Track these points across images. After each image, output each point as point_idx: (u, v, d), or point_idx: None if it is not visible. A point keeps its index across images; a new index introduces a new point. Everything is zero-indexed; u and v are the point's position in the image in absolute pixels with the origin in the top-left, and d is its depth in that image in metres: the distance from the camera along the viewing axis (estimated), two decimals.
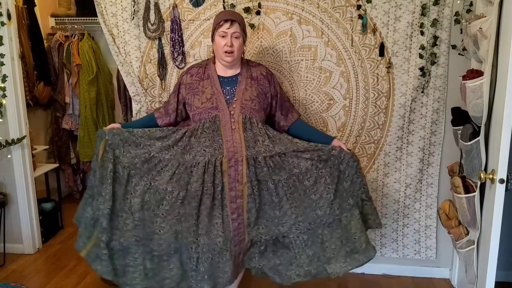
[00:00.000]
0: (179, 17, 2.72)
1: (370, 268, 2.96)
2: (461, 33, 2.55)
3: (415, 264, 2.94)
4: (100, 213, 2.11)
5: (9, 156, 3.19)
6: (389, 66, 2.66)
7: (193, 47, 2.76)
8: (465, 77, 2.20)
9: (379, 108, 2.72)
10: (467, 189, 2.22)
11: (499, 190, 1.92)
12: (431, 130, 2.73)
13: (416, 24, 2.58)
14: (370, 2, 2.58)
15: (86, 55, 3.98)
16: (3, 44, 3.03)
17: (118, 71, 3.85)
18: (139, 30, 2.76)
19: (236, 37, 2.17)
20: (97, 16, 2.80)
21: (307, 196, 2.16)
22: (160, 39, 2.76)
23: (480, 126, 2.12)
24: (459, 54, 2.61)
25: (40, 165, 3.68)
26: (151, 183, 2.10)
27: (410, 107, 2.69)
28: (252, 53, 2.73)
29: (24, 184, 3.25)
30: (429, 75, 2.65)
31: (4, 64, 3.06)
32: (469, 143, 2.17)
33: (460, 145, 2.34)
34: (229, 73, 2.26)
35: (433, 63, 2.62)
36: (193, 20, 2.73)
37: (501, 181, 1.90)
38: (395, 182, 2.81)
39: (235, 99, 2.20)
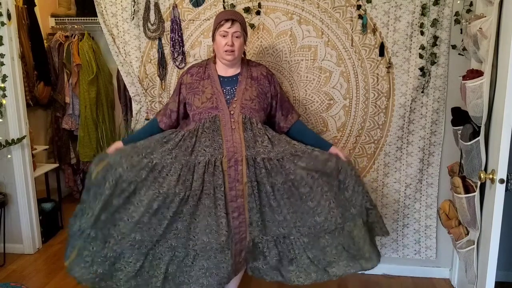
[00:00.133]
0: (179, 17, 2.72)
1: None
2: (461, 33, 2.55)
3: (415, 264, 2.94)
4: (88, 224, 2.09)
5: (9, 156, 3.19)
6: (389, 66, 2.66)
7: (193, 47, 2.76)
8: (465, 77, 2.20)
9: (379, 108, 2.72)
10: (467, 189, 2.22)
11: (499, 190, 1.92)
12: (431, 130, 2.73)
13: (416, 24, 2.59)
14: (370, 2, 2.58)
15: (86, 55, 3.98)
16: (3, 44, 3.03)
17: (118, 71, 3.85)
18: (139, 30, 2.76)
19: (237, 37, 2.17)
20: (97, 16, 2.81)
21: (303, 202, 2.14)
22: (160, 39, 2.76)
23: (480, 126, 2.12)
24: (459, 54, 2.61)
25: (40, 165, 3.68)
26: (159, 190, 2.07)
27: (410, 107, 2.69)
28: (252, 53, 2.73)
29: (24, 184, 3.25)
30: (429, 75, 2.65)
31: (4, 64, 3.06)
32: (469, 143, 2.17)
33: (460, 145, 2.34)
34: (230, 72, 2.26)
35: (433, 63, 2.63)
36: (193, 20, 2.73)
37: (501, 181, 1.90)
38: (395, 182, 2.81)
39: (235, 99, 2.20)
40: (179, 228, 2.10)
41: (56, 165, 3.89)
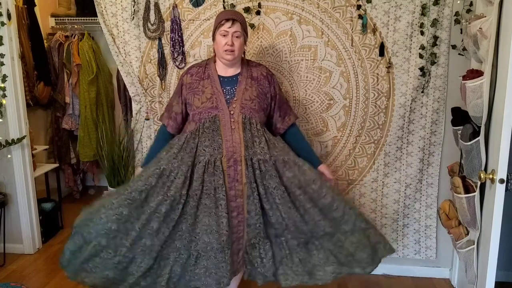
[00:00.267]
0: (179, 17, 2.72)
1: None
2: (461, 33, 2.55)
3: (415, 264, 2.94)
4: (97, 234, 2.09)
5: (9, 156, 3.19)
6: (389, 66, 2.66)
7: (193, 47, 2.76)
8: (465, 77, 2.20)
9: (379, 108, 2.72)
10: (467, 189, 2.22)
11: (499, 190, 1.92)
12: (431, 130, 2.73)
13: (416, 24, 2.59)
14: (370, 2, 2.58)
15: (86, 55, 3.98)
16: (3, 44, 3.03)
17: (118, 71, 3.85)
18: (139, 30, 2.76)
19: (237, 37, 2.17)
20: (97, 16, 2.81)
21: (292, 209, 2.14)
22: (160, 39, 2.76)
23: (480, 126, 2.12)
24: (459, 54, 2.61)
25: (40, 165, 3.68)
26: (167, 194, 2.08)
27: (410, 107, 2.69)
28: (252, 53, 2.73)
29: (24, 184, 3.25)
30: (429, 75, 2.65)
31: (4, 64, 3.06)
32: (469, 143, 2.17)
33: (460, 145, 2.34)
34: (230, 72, 2.25)
35: (433, 63, 2.62)
36: (193, 20, 2.73)
37: (501, 181, 1.90)
38: (395, 182, 2.81)
39: (235, 99, 2.20)
40: (183, 229, 2.11)
41: (56, 165, 3.89)
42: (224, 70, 2.25)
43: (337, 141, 2.80)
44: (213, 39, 2.25)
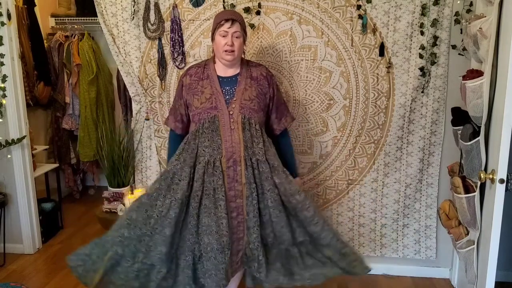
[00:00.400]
0: (179, 17, 2.72)
1: None
2: (461, 33, 2.55)
3: (415, 264, 2.94)
4: (114, 242, 2.11)
5: (9, 156, 3.19)
6: (389, 66, 2.66)
7: (193, 47, 2.76)
8: (465, 77, 2.20)
9: (379, 108, 2.72)
10: (467, 189, 2.22)
11: (499, 190, 1.92)
12: (431, 130, 2.73)
13: (416, 24, 2.58)
14: (370, 2, 2.58)
15: (86, 55, 3.98)
16: (3, 44, 3.03)
17: (118, 71, 3.85)
18: (139, 30, 2.76)
19: (236, 37, 2.17)
20: (97, 16, 2.81)
21: (285, 213, 2.16)
22: (160, 39, 2.76)
23: (480, 126, 2.12)
24: (459, 54, 2.61)
25: (40, 165, 3.68)
26: (175, 197, 2.08)
27: (410, 107, 2.69)
28: (252, 53, 2.73)
29: (24, 184, 3.25)
30: (429, 75, 2.65)
31: (4, 64, 3.06)
32: (469, 143, 2.17)
33: (460, 145, 2.34)
34: (229, 73, 2.25)
35: (433, 63, 2.62)
36: (193, 20, 2.73)
37: (501, 181, 1.90)
38: (395, 182, 2.81)
39: (234, 99, 2.19)
40: (188, 231, 2.11)
41: (56, 165, 3.89)
42: (223, 70, 2.25)
43: (337, 141, 2.80)
44: (212, 39, 2.24)
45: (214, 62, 2.28)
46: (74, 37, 4.05)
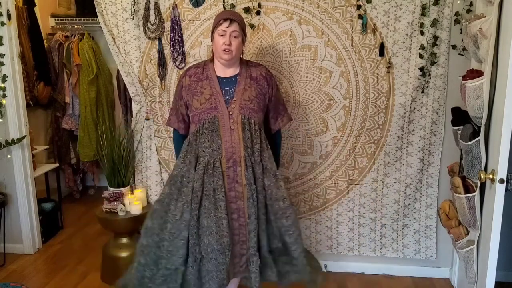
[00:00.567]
0: (179, 17, 2.72)
1: (370, 268, 2.97)
2: (461, 33, 2.55)
3: (415, 264, 2.94)
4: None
5: (9, 156, 3.19)
6: (389, 66, 2.66)
7: (193, 47, 2.76)
8: (465, 77, 2.20)
9: (379, 108, 2.72)
10: (467, 189, 2.22)
11: (499, 190, 1.92)
12: (431, 130, 2.72)
13: (416, 24, 2.58)
14: (370, 2, 2.58)
15: (86, 55, 3.98)
16: (3, 44, 3.03)
17: (118, 71, 3.85)
18: (139, 30, 2.76)
19: (235, 37, 2.16)
20: (97, 16, 2.81)
21: (266, 217, 2.17)
22: (160, 39, 2.76)
23: (480, 126, 2.12)
24: (459, 54, 2.61)
25: (40, 165, 3.68)
26: (186, 200, 2.10)
27: (410, 107, 2.69)
28: (252, 53, 2.73)
29: (24, 184, 3.25)
30: (429, 75, 2.65)
31: (4, 64, 3.06)
32: (469, 143, 2.17)
33: (460, 145, 2.34)
34: (228, 73, 2.25)
35: (433, 63, 2.62)
36: (193, 20, 2.73)
37: (501, 181, 1.90)
38: (395, 182, 2.81)
39: (234, 99, 2.19)
40: (191, 232, 2.11)
41: (56, 165, 3.89)
42: (222, 70, 2.24)
43: (337, 141, 2.80)
44: (212, 39, 2.24)
45: (213, 63, 2.28)
46: (74, 37, 4.05)
